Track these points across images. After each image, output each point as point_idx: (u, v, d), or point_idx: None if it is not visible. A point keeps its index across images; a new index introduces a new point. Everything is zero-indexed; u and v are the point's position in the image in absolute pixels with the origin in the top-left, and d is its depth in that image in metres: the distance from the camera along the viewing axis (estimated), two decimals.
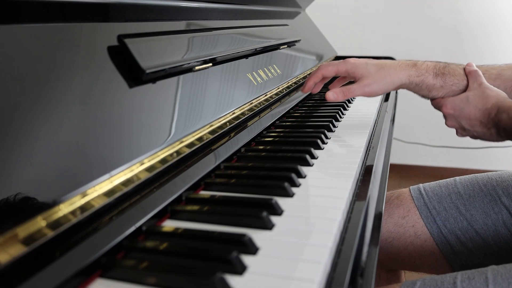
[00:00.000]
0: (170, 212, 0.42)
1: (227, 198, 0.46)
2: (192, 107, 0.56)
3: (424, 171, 2.42)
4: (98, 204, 0.36)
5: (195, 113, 0.55)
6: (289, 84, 0.92)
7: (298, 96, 0.93)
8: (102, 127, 0.41)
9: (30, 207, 0.31)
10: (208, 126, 0.56)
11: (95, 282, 0.32)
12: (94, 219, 0.35)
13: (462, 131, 0.74)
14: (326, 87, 1.17)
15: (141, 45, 0.50)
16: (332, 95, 0.76)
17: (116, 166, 0.39)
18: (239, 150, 0.59)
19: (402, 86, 0.77)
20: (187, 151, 0.50)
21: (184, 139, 0.50)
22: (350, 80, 0.83)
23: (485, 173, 0.84)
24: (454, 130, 0.76)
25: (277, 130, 0.73)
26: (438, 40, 2.25)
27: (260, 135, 0.68)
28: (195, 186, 0.48)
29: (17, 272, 0.28)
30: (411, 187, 0.88)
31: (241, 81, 0.72)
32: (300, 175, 0.51)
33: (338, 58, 1.46)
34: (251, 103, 0.71)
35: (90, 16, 0.48)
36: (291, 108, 0.86)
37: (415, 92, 0.79)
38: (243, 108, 0.67)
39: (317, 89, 0.83)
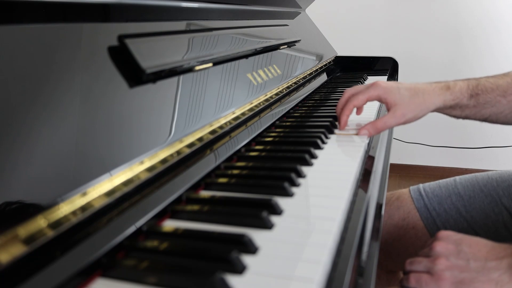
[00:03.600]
0: (171, 212, 0.42)
1: (227, 198, 0.46)
2: (192, 107, 0.56)
3: (424, 171, 2.42)
4: (98, 204, 0.36)
5: (195, 113, 0.55)
6: (289, 84, 0.92)
7: (298, 96, 0.93)
8: (103, 127, 0.41)
9: (30, 206, 0.31)
10: (208, 126, 0.56)
11: (95, 281, 0.32)
12: (94, 219, 0.35)
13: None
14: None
15: (142, 45, 0.50)
16: (364, 132, 0.70)
17: (116, 166, 0.39)
18: (239, 150, 0.59)
19: (435, 111, 0.73)
20: (187, 151, 0.50)
21: (184, 139, 0.50)
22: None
23: (485, 173, 0.84)
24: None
25: (277, 130, 0.73)
26: (438, 40, 2.25)
27: (260, 135, 0.68)
28: (196, 186, 0.48)
29: (18, 272, 0.28)
30: (411, 187, 0.88)
31: (241, 81, 0.73)
32: (300, 175, 0.51)
33: (338, 58, 1.46)
34: (251, 103, 0.71)
35: (91, 17, 0.48)
36: (291, 108, 0.86)
37: (446, 113, 0.75)
38: (243, 108, 0.67)
39: (347, 122, 0.74)
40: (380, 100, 0.72)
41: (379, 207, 0.50)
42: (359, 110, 0.79)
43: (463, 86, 0.72)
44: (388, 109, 0.71)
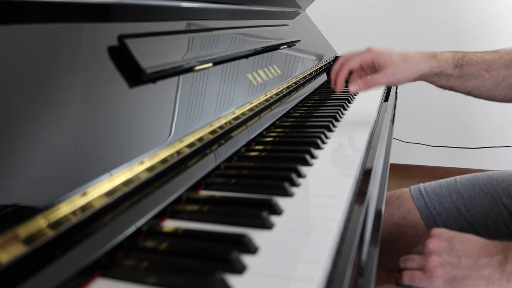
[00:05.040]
0: (171, 212, 0.42)
1: (227, 198, 0.46)
2: (192, 107, 0.56)
3: (424, 171, 2.42)
4: (98, 204, 0.36)
5: (195, 113, 0.55)
6: (289, 84, 0.92)
7: (298, 96, 0.93)
8: (103, 127, 0.41)
9: (30, 206, 0.31)
10: (208, 126, 0.56)
11: (95, 281, 0.32)
12: (94, 219, 0.35)
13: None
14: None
15: (142, 45, 0.50)
16: (354, 87, 0.76)
17: (116, 166, 0.39)
18: (239, 150, 0.59)
19: (422, 77, 0.78)
20: (187, 151, 0.50)
21: (184, 139, 0.50)
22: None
23: (486, 173, 0.84)
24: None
25: (277, 130, 0.73)
26: (438, 40, 2.25)
27: (260, 135, 0.68)
28: (196, 186, 0.48)
29: (18, 272, 0.28)
30: (411, 186, 0.88)
31: (241, 81, 0.73)
32: (300, 175, 0.51)
33: (338, 58, 1.46)
34: (251, 103, 0.71)
35: (91, 16, 0.48)
36: (291, 108, 0.86)
37: (432, 82, 0.80)
38: (243, 108, 0.67)
39: (343, 84, 0.81)
40: (372, 62, 0.77)
41: (379, 207, 0.50)
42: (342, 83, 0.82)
43: (449, 56, 0.77)
44: (379, 70, 0.76)
